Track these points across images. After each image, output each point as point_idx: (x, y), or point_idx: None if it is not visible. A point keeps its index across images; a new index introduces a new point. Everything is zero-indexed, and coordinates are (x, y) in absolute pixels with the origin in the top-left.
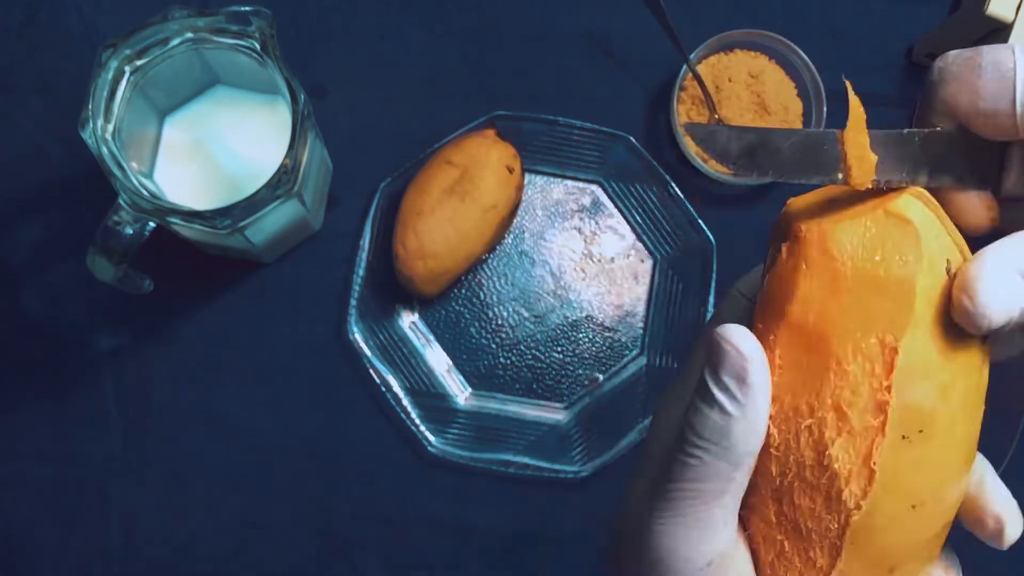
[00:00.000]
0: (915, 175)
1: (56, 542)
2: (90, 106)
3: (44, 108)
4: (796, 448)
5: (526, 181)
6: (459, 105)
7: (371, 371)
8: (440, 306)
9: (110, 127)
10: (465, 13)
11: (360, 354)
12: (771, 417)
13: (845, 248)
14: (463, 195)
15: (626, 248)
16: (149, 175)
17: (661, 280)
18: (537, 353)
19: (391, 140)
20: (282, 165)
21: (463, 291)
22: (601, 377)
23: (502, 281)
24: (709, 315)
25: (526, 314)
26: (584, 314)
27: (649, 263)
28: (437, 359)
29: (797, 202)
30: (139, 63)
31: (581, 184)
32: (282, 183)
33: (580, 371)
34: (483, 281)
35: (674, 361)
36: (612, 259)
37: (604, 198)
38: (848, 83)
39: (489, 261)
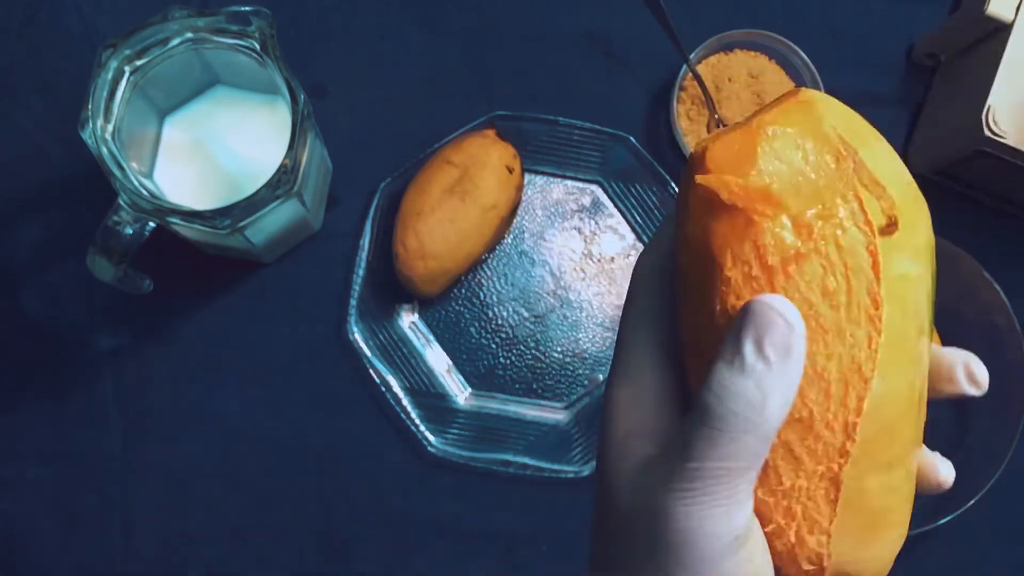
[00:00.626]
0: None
1: (56, 542)
2: (90, 106)
3: (44, 108)
4: None
5: (526, 181)
6: (459, 105)
7: (371, 371)
8: (440, 306)
9: (110, 127)
10: (465, 13)
11: (360, 354)
12: None
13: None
14: (463, 195)
15: (626, 248)
16: (149, 175)
17: None
18: (537, 353)
19: (391, 140)
20: (282, 165)
21: (463, 291)
22: (601, 377)
23: (502, 281)
24: None
25: (526, 314)
26: (584, 314)
27: None
28: (437, 359)
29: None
30: (139, 63)
31: (581, 184)
32: (282, 183)
33: (580, 371)
34: (483, 281)
35: None
36: (612, 259)
37: (604, 198)
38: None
39: (489, 261)
